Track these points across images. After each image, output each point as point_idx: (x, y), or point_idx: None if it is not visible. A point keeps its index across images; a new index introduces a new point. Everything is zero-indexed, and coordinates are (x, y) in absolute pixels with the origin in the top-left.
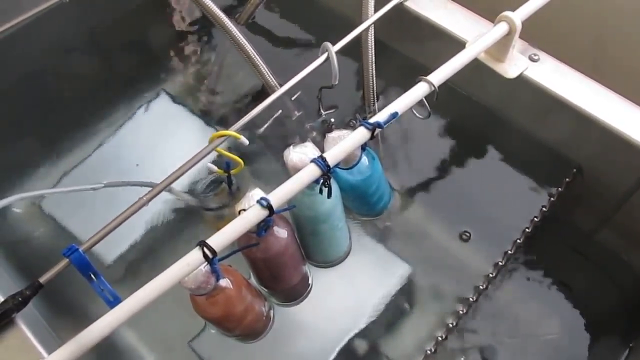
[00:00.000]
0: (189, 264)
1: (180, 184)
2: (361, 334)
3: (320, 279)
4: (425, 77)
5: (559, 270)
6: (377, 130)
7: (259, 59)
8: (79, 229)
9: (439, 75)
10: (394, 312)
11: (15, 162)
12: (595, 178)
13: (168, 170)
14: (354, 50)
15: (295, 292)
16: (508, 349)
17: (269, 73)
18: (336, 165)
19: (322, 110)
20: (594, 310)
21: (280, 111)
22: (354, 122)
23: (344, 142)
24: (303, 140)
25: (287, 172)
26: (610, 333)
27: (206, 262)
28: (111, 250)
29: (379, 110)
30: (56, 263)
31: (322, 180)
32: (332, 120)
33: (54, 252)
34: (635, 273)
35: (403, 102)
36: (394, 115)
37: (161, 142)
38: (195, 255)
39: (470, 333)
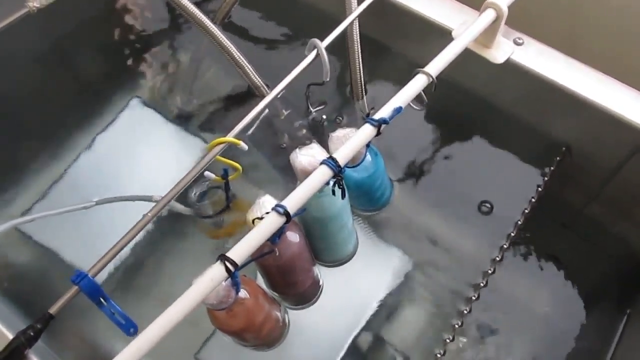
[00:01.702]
0: (212, 280)
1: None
2: (370, 328)
3: (329, 278)
4: (422, 69)
5: (550, 245)
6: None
7: (244, 60)
8: (63, 249)
9: (436, 66)
10: (403, 304)
11: None
12: (583, 155)
13: (149, 179)
14: (336, 46)
15: (307, 295)
16: (505, 326)
17: (254, 74)
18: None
19: (311, 108)
20: (587, 282)
21: (267, 111)
22: (340, 118)
23: (352, 141)
24: (293, 139)
25: (281, 173)
26: (605, 303)
27: (228, 276)
28: (88, 257)
29: (368, 104)
30: (46, 287)
31: (334, 181)
32: (324, 117)
33: (43, 276)
34: (626, 243)
35: (404, 96)
36: (399, 110)
37: (139, 151)
38: (217, 270)
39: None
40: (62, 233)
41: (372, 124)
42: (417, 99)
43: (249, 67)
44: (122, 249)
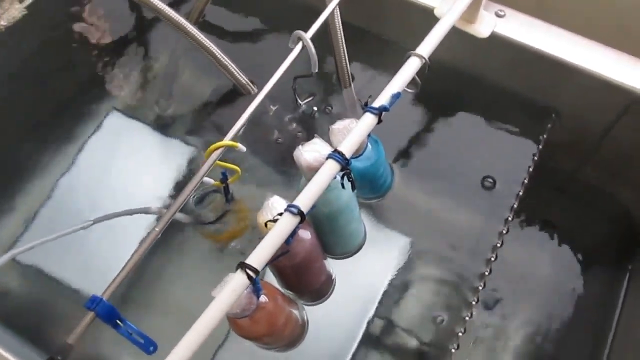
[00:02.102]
0: (234, 290)
1: (164, 203)
2: (384, 314)
3: (340, 270)
4: (414, 52)
5: (546, 211)
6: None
7: (227, 59)
8: (60, 272)
9: (427, 48)
10: (415, 286)
11: None
12: (573, 120)
13: (140, 191)
14: (316, 35)
15: (322, 290)
16: (509, 293)
17: (238, 72)
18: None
19: (299, 101)
20: (585, 243)
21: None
22: (329, 108)
23: (355, 131)
24: (284, 134)
25: (278, 170)
26: (605, 262)
27: (250, 284)
28: (90, 279)
29: (356, 91)
30: (42, 313)
31: (342, 174)
32: (315, 108)
33: (43, 302)
34: (621, 202)
35: (400, 80)
36: (397, 95)
37: (124, 163)
38: (239, 279)
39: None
40: (56, 256)
41: (372, 113)
42: (411, 82)
43: (233, 65)
44: (133, 267)
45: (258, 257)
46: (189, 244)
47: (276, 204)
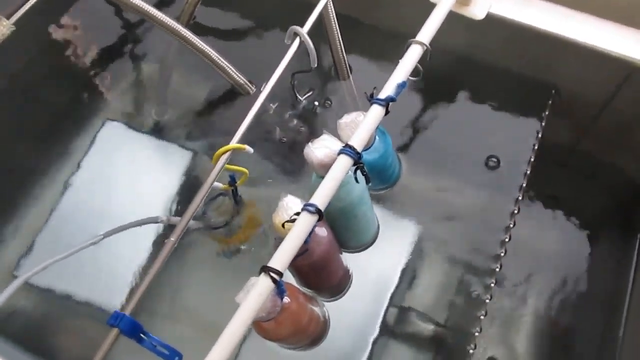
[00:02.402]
0: (260, 294)
1: (170, 210)
2: (401, 302)
3: (354, 263)
4: (415, 40)
5: (550, 186)
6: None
7: (223, 60)
8: (64, 286)
9: (427, 34)
10: (430, 273)
11: None
12: (572, 94)
13: (143, 201)
14: (310, 29)
15: (341, 285)
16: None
17: (235, 72)
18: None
19: (299, 97)
20: (592, 215)
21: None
22: (329, 102)
23: (364, 125)
24: (286, 132)
25: (283, 169)
26: (613, 232)
27: (275, 287)
28: (101, 293)
29: (355, 82)
30: (55, 330)
31: (354, 169)
32: (316, 103)
33: (47, 319)
34: (624, 171)
35: (403, 69)
36: (403, 85)
37: (125, 174)
38: (264, 283)
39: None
40: (64, 271)
41: (380, 104)
42: (413, 69)
43: (230, 66)
44: (152, 280)
45: (280, 259)
46: (198, 248)
47: (291, 203)
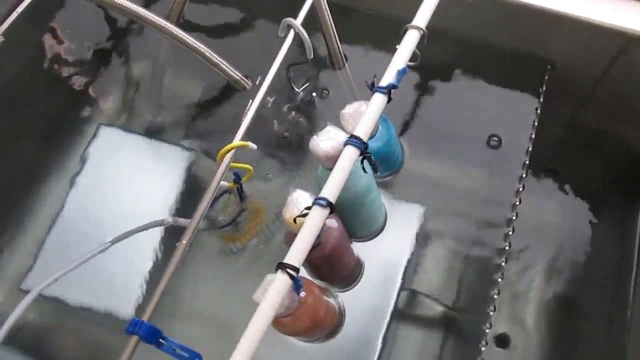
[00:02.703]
0: (279, 291)
1: (172, 212)
2: (411, 286)
3: (364, 252)
4: (412, 24)
5: (550, 160)
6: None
7: (217, 57)
8: (72, 294)
9: (423, 18)
10: (439, 256)
11: None
12: (568, 68)
13: (145, 204)
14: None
15: (353, 275)
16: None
17: (230, 68)
18: None
19: (296, 89)
20: (593, 187)
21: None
22: (326, 92)
23: (369, 114)
24: (286, 125)
25: (286, 162)
26: (615, 202)
27: (293, 283)
28: (107, 296)
29: (351, 70)
30: (59, 338)
31: (361, 159)
32: (314, 94)
33: (57, 328)
34: (622, 141)
35: (402, 56)
36: (403, 71)
37: (123, 179)
38: (281, 280)
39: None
40: (70, 279)
41: (382, 92)
42: (411, 55)
43: (225, 63)
44: (166, 284)
45: (295, 255)
46: (206, 247)
47: (300, 198)
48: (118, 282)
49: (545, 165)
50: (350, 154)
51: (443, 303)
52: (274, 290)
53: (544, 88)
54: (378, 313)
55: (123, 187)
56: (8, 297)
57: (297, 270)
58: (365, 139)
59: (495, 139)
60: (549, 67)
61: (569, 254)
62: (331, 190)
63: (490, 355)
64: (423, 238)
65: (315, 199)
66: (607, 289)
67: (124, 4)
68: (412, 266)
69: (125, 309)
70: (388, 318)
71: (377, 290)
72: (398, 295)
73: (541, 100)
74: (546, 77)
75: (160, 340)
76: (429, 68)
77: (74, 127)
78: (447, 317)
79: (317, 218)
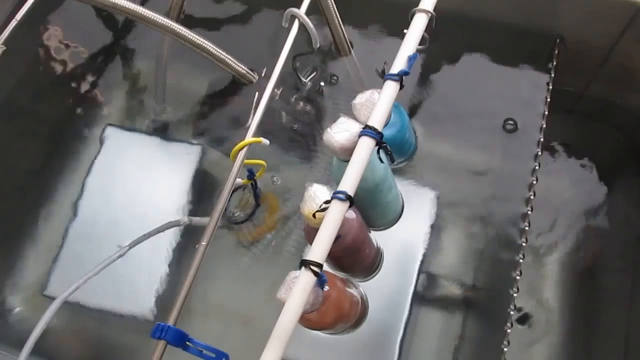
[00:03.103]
0: (304, 289)
1: (186, 211)
2: (432, 271)
3: (384, 240)
4: (419, 8)
5: (561, 134)
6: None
7: (221, 51)
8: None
9: (430, 0)
10: (459, 240)
11: None
12: (577, 41)
13: (158, 204)
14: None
15: (373, 265)
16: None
17: (236, 62)
18: None
19: (303, 79)
20: (605, 159)
21: (257, 93)
22: (335, 78)
23: (381, 103)
24: (295, 116)
25: (298, 156)
26: (629, 173)
27: (317, 279)
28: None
29: (358, 56)
30: (80, 343)
31: (377, 148)
32: (322, 83)
33: (77, 334)
34: (633, 111)
35: (412, 40)
36: (414, 57)
37: (134, 179)
38: (306, 277)
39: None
40: (89, 287)
41: (394, 80)
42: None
43: (230, 57)
44: (190, 287)
45: (318, 251)
46: (224, 244)
47: (318, 192)
48: (134, 283)
49: (557, 139)
50: (367, 145)
51: (463, 285)
52: (299, 289)
53: (554, 63)
54: (400, 299)
55: (134, 188)
56: (27, 304)
57: (320, 266)
58: (380, 128)
59: (511, 122)
60: (558, 41)
61: (586, 227)
62: (349, 183)
63: (512, 334)
64: (441, 222)
65: (334, 193)
66: (627, 260)
67: (124, 4)
68: (431, 251)
69: (144, 311)
70: (409, 303)
71: (398, 277)
72: (417, 280)
73: (552, 75)
74: (556, 52)
75: (187, 342)
76: (439, 51)
77: (81, 130)
78: (467, 299)
79: (338, 212)
